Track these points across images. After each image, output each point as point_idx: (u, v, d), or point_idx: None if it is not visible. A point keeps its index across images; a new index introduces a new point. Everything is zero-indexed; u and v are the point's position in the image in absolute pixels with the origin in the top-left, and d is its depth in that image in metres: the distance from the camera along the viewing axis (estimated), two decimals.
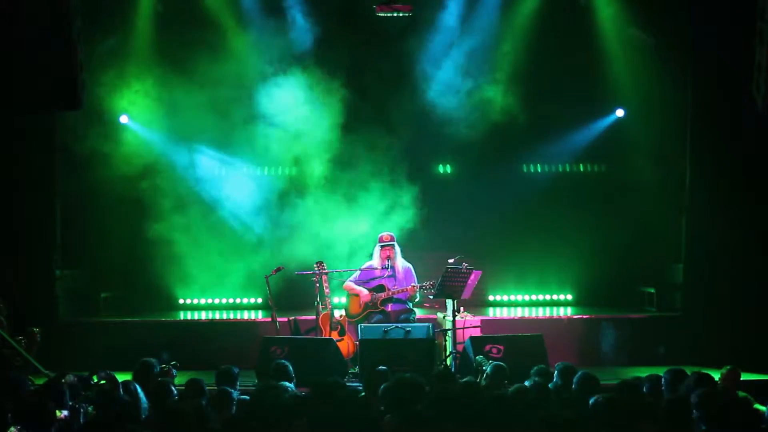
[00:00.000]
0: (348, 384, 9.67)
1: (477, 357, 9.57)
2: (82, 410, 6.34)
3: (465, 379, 7.51)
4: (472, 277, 10.32)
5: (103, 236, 13.11)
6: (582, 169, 14.35)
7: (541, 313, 12.90)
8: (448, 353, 10.38)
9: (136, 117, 13.43)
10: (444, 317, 10.98)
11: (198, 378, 7.35)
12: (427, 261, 12.61)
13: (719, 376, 8.17)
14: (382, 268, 10.89)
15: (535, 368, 7.78)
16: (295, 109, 13.14)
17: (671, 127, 12.56)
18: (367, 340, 10.14)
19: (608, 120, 13.85)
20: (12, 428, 5.69)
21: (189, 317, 12.96)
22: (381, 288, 10.86)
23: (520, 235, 13.71)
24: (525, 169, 14.30)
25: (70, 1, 8.08)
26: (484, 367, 8.35)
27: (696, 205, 12.08)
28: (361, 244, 12.49)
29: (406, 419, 5.81)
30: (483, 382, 8.07)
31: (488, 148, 13.49)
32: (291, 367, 8.18)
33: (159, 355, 9.34)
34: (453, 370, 9.87)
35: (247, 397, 7.00)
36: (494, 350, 10.03)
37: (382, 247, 10.92)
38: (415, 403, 6.33)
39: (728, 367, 8.30)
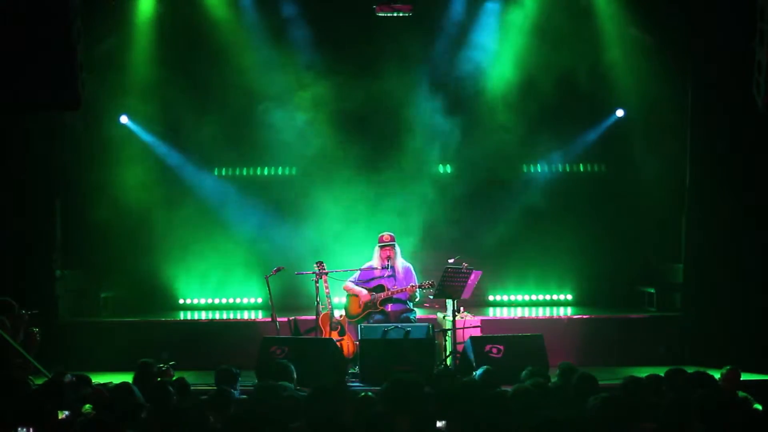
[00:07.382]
0: (349, 384, 9.74)
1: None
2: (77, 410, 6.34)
3: (465, 379, 7.51)
4: (472, 277, 10.31)
5: (103, 236, 13.11)
6: (582, 169, 14.35)
7: (541, 313, 12.88)
8: (448, 353, 10.37)
9: (136, 117, 13.45)
10: (444, 317, 10.97)
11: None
12: (427, 261, 12.63)
13: (719, 376, 8.17)
14: (382, 268, 10.87)
15: (528, 369, 7.74)
16: (296, 109, 13.16)
17: (671, 127, 12.55)
18: (367, 340, 10.13)
19: (608, 120, 13.86)
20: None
21: (189, 317, 12.95)
22: (381, 288, 10.84)
23: (520, 235, 13.71)
24: (525, 169, 14.30)
25: (70, 1, 8.07)
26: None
27: (696, 204, 12.07)
28: (361, 244, 12.48)
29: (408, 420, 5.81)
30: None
31: (488, 148, 13.47)
32: (292, 367, 8.16)
33: (159, 355, 9.34)
34: (453, 370, 9.87)
35: (247, 397, 7.00)
36: (494, 350, 10.03)
37: (381, 247, 10.90)
38: (415, 403, 6.32)
39: (728, 367, 8.32)
